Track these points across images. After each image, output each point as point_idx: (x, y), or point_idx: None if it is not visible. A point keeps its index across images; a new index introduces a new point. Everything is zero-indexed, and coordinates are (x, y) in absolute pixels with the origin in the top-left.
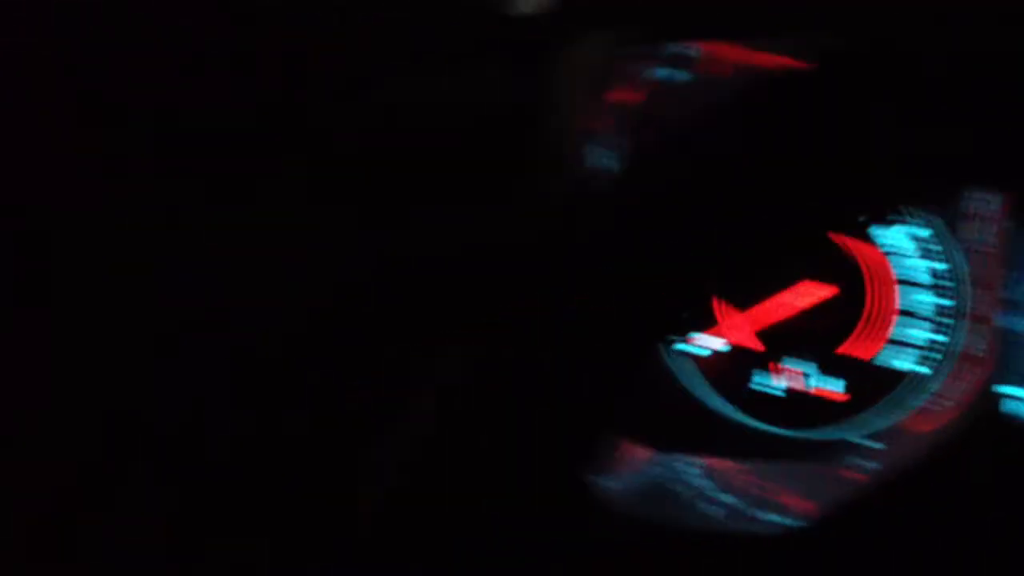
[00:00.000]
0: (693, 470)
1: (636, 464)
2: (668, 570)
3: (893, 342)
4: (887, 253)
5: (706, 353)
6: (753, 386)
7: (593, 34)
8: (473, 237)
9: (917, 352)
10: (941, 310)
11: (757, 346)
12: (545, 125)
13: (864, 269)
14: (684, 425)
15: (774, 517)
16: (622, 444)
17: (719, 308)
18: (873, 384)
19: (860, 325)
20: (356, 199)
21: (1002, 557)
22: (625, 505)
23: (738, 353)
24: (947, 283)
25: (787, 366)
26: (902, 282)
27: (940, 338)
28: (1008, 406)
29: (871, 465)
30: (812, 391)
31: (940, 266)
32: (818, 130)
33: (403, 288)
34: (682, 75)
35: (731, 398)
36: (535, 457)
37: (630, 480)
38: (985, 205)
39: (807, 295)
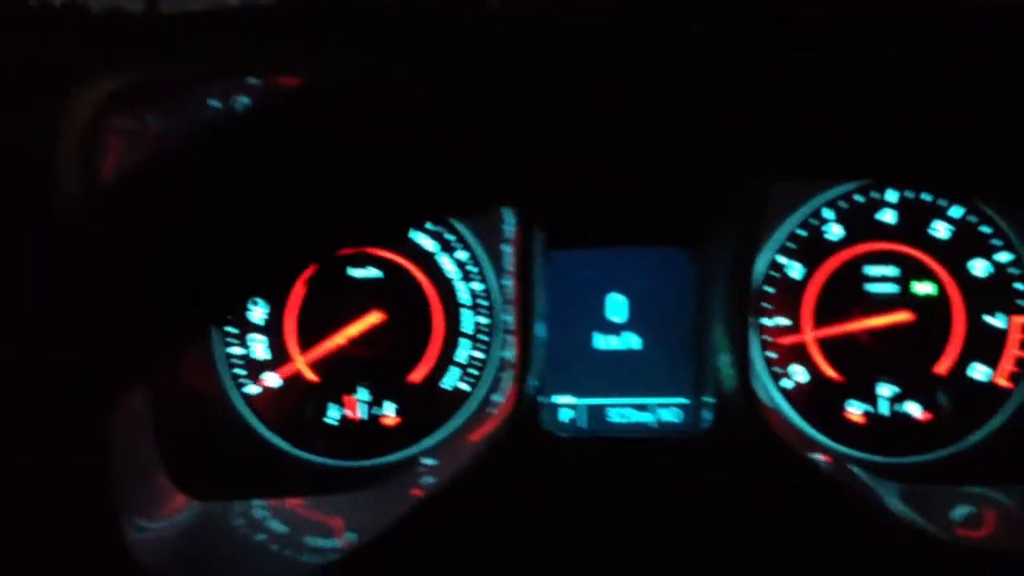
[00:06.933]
0: (252, 511)
1: (184, 511)
2: None
3: (441, 362)
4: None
5: (257, 391)
6: (307, 418)
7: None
8: None
9: (460, 369)
10: (479, 327)
11: (311, 378)
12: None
13: (430, 292)
14: (243, 465)
15: (334, 544)
16: (168, 490)
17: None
18: (422, 405)
19: (425, 349)
20: None
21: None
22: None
23: (293, 386)
24: (483, 302)
25: (351, 396)
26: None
27: (479, 354)
28: (546, 413)
29: (427, 480)
30: (367, 419)
31: (478, 286)
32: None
33: None
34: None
35: (286, 433)
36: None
37: (175, 529)
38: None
39: (359, 323)
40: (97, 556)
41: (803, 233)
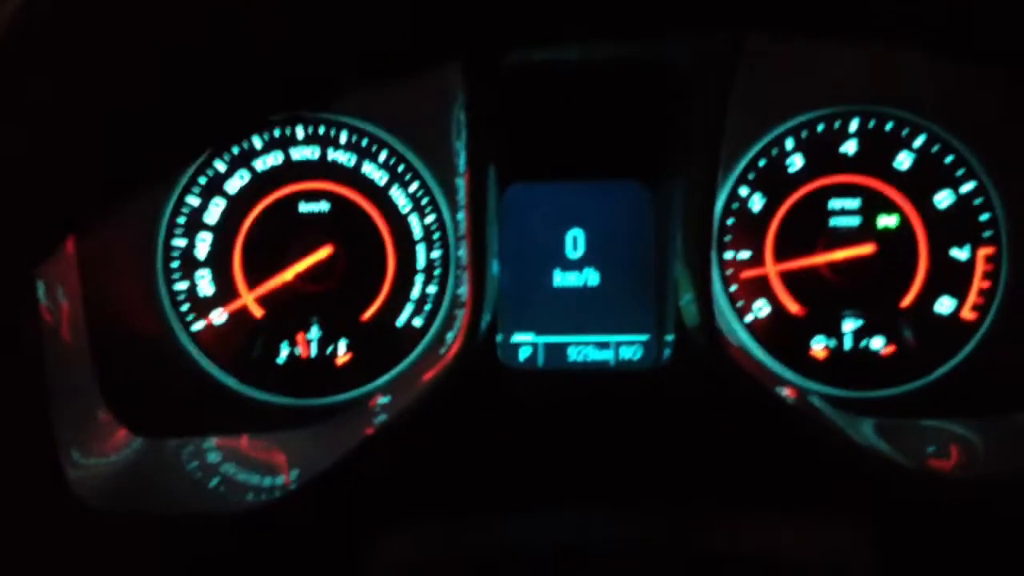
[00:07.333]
0: (198, 448)
1: (128, 447)
2: None
3: (394, 298)
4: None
5: (203, 327)
6: (256, 356)
7: None
8: None
9: (413, 306)
10: (432, 263)
11: (254, 313)
12: None
13: (382, 227)
14: (189, 402)
15: (282, 481)
16: (111, 426)
17: (237, 279)
18: (375, 342)
19: (378, 285)
20: None
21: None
22: (106, 491)
23: (241, 323)
24: (436, 236)
25: (303, 333)
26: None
27: (432, 290)
28: (503, 351)
29: (379, 419)
30: (319, 357)
31: (432, 220)
32: None
33: None
34: None
35: (234, 370)
36: None
37: (117, 464)
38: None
39: (308, 259)
40: (36, 489)
41: (764, 165)
